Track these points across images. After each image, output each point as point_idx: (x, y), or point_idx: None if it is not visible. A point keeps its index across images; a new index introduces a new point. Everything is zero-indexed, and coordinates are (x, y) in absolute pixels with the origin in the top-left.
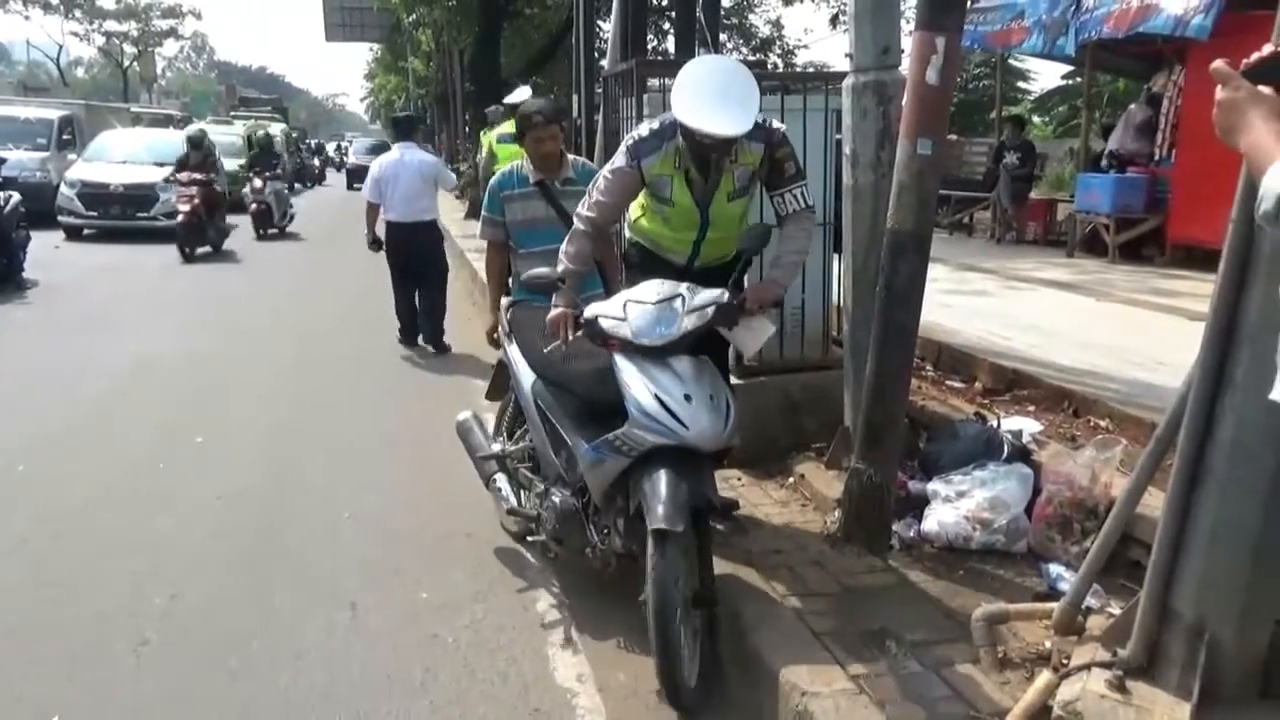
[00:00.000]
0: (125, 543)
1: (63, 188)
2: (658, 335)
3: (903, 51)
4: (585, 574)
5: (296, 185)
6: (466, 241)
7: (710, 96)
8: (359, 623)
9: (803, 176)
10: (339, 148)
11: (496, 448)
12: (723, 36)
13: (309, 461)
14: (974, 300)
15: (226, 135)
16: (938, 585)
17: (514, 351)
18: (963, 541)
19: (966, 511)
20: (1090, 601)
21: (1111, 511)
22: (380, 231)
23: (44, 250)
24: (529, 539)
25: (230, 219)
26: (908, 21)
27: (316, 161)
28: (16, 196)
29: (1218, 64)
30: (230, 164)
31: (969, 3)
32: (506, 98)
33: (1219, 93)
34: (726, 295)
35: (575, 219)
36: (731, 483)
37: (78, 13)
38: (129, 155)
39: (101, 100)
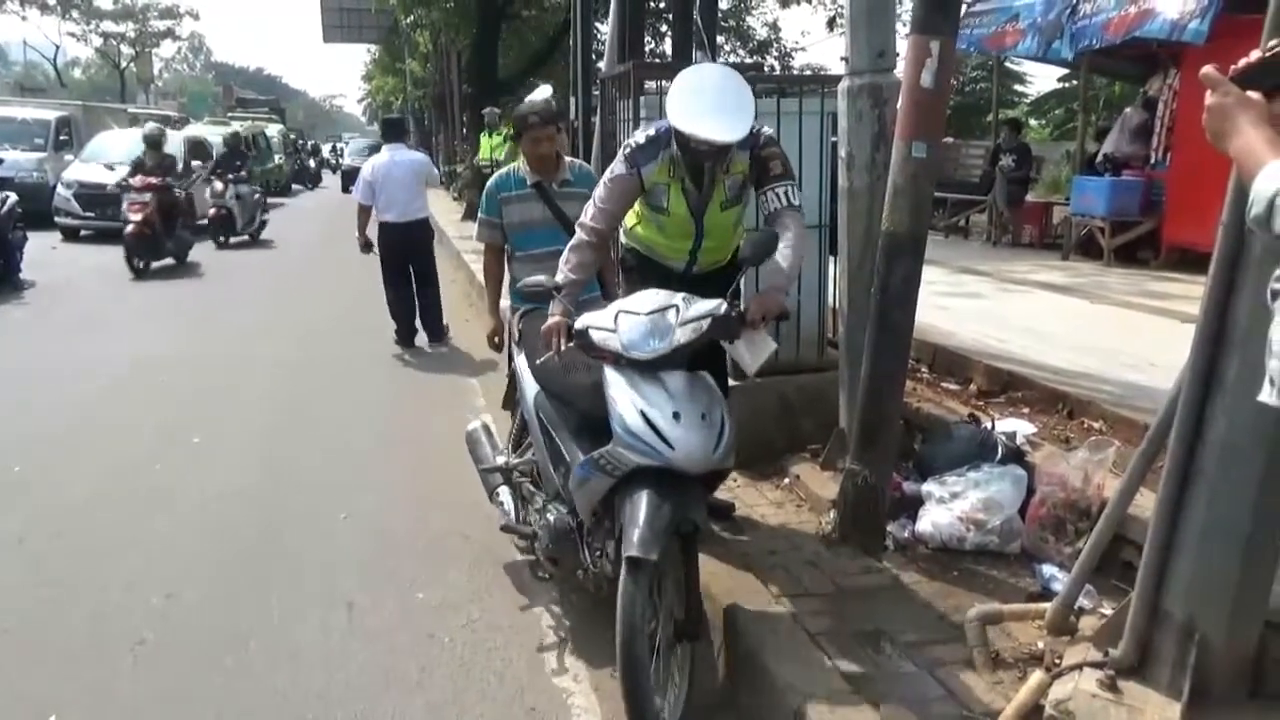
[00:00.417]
0: (122, 543)
1: (60, 188)
2: (649, 348)
3: (898, 55)
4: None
5: (295, 187)
6: (464, 243)
7: (706, 103)
8: (356, 623)
9: (790, 177)
10: (334, 148)
11: (501, 460)
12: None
13: (306, 462)
14: (969, 302)
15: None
16: (932, 586)
17: (521, 361)
18: (957, 542)
19: (960, 512)
20: (1083, 602)
21: (1103, 513)
22: (370, 234)
23: (41, 251)
24: (521, 556)
25: None
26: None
27: (312, 163)
28: (13, 197)
29: (1207, 69)
30: None
31: (964, 7)
32: (529, 98)
33: (1208, 98)
34: (724, 307)
35: (578, 229)
36: (728, 484)
37: (75, 13)
38: (126, 156)
39: (98, 101)
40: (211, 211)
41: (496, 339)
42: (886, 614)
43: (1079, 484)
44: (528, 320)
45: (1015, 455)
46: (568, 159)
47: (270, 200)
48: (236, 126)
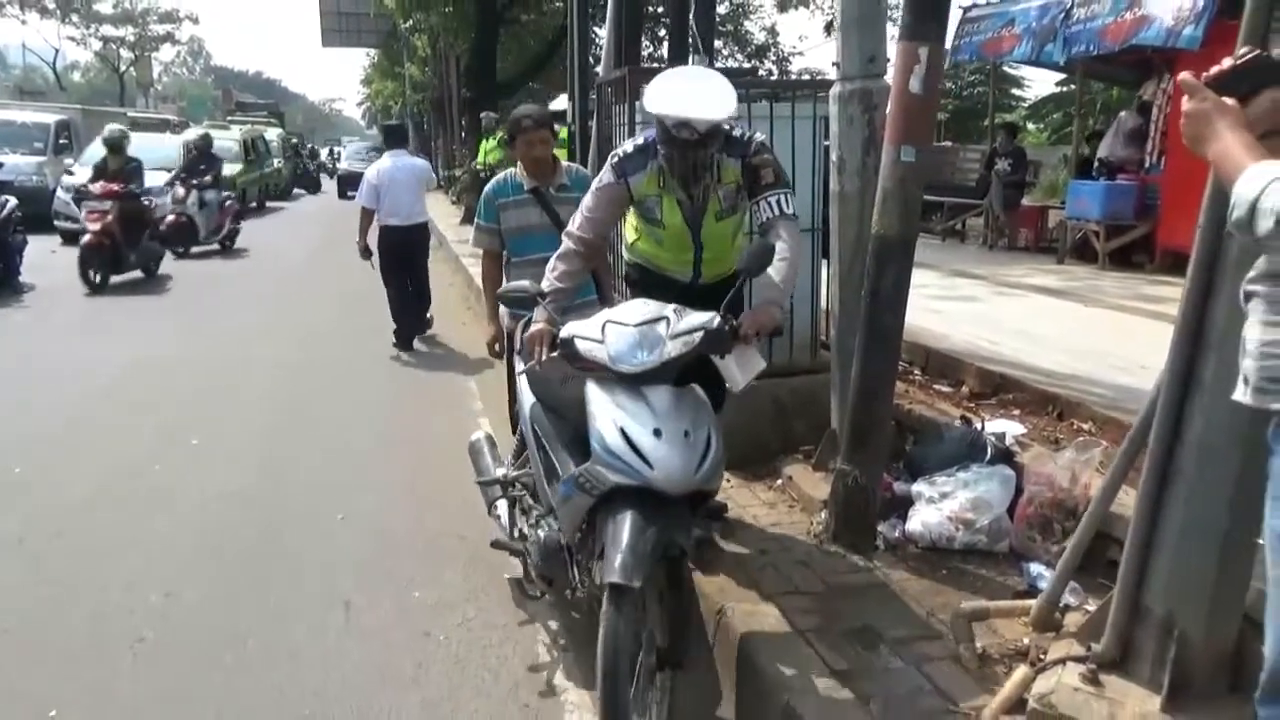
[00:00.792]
0: (122, 542)
1: (59, 192)
2: (637, 361)
3: (888, 60)
4: None
5: (298, 191)
6: (463, 246)
7: (683, 88)
8: (353, 621)
9: (784, 185)
10: (332, 152)
11: (500, 472)
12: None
13: (304, 463)
14: (963, 306)
15: (223, 140)
16: (921, 584)
17: (519, 371)
18: (946, 541)
19: (950, 512)
20: (1069, 599)
21: (1086, 511)
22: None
23: (40, 254)
24: (507, 577)
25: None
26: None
27: (311, 167)
28: (13, 201)
29: (1185, 76)
30: (227, 169)
31: (961, 13)
32: (551, 104)
33: (1185, 103)
34: (717, 320)
35: (565, 238)
36: (722, 484)
37: (74, 17)
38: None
39: (97, 105)
40: (170, 218)
41: (496, 346)
42: (876, 611)
43: (1066, 484)
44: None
45: (1004, 456)
46: (565, 163)
47: (269, 204)
48: (236, 131)
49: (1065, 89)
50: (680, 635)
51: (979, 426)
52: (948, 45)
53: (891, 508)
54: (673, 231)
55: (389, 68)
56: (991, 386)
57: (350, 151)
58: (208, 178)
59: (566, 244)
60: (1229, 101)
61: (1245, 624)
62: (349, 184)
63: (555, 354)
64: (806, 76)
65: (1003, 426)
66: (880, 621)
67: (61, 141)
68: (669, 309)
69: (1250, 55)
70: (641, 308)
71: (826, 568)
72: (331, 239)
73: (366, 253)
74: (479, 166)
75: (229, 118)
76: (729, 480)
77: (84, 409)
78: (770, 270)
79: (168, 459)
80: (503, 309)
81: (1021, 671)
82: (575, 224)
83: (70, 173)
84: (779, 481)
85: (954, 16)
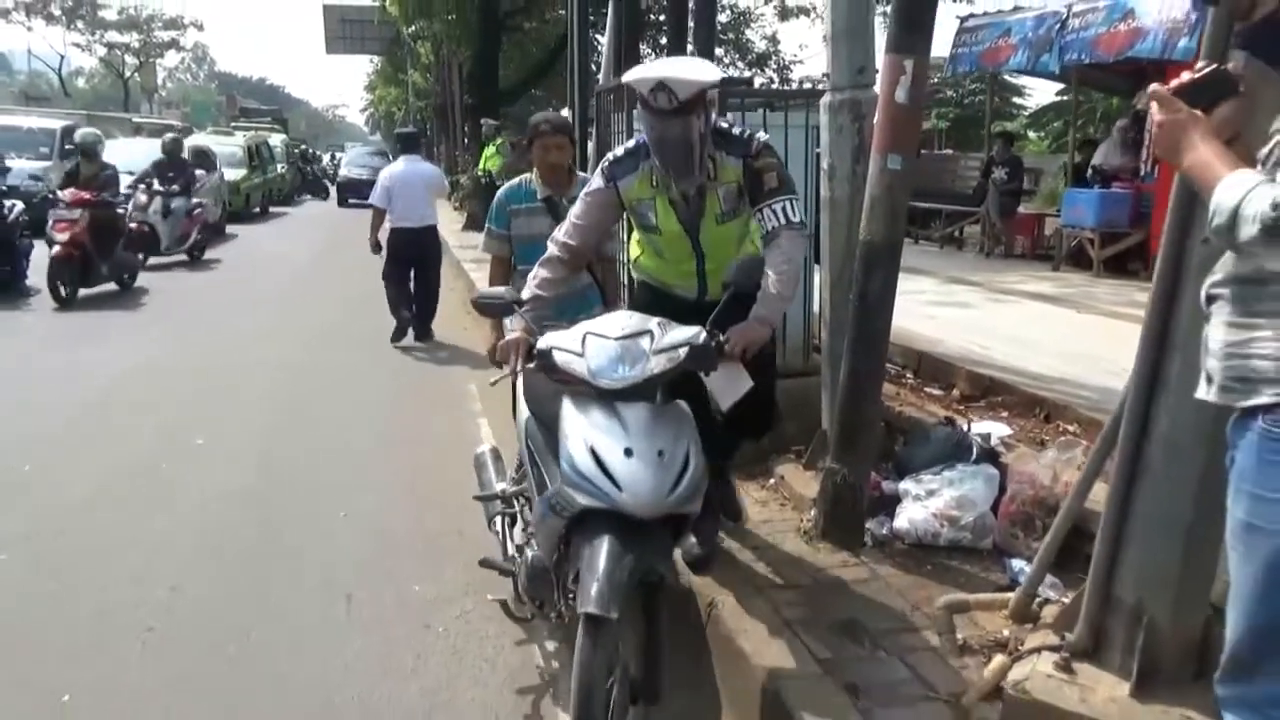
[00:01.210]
0: (128, 539)
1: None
2: (618, 376)
3: (877, 71)
4: None
5: (307, 197)
6: (464, 252)
7: (662, 61)
8: (354, 614)
9: (788, 191)
10: (333, 158)
11: (500, 487)
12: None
13: (305, 463)
14: (958, 312)
15: (227, 146)
16: (906, 579)
17: (520, 383)
18: (932, 538)
19: (935, 509)
20: (1049, 594)
21: (1063, 505)
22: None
23: (47, 258)
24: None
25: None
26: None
27: (312, 171)
28: (20, 205)
29: (1155, 87)
30: (231, 174)
31: (960, 23)
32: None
33: (1158, 114)
34: (703, 335)
35: (550, 244)
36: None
37: (80, 23)
38: (130, 166)
39: (102, 110)
40: (132, 226)
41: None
42: (861, 605)
43: (1047, 482)
44: None
45: (989, 455)
46: (582, 174)
47: (272, 209)
48: (241, 136)
49: (1065, 98)
50: (654, 667)
51: (965, 427)
52: (945, 55)
53: (880, 506)
54: (669, 237)
55: (392, 74)
56: (981, 389)
57: (350, 157)
58: (174, 186)
59: (550, 250)
60: (1198, 113)
61: (1213, 614)
62: (349, 191)
63: (531, 365)
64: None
65: (989, 428)
66: (866, 614)
67: (67, 147)
68: (653, 322)
69: (1209, 69)
70: (625, 320)
71: (815, 563)
72: (335, 242)
73: (377, 248)
74: (480, 173)
75: (233, 123)
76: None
77: (89, 410)
78: (766, 284)
79: (171, 459)
80: (507, 319)
81: (999, 660)
82: (562, 230)
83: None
84: (771, 481)
85: (951, 26)
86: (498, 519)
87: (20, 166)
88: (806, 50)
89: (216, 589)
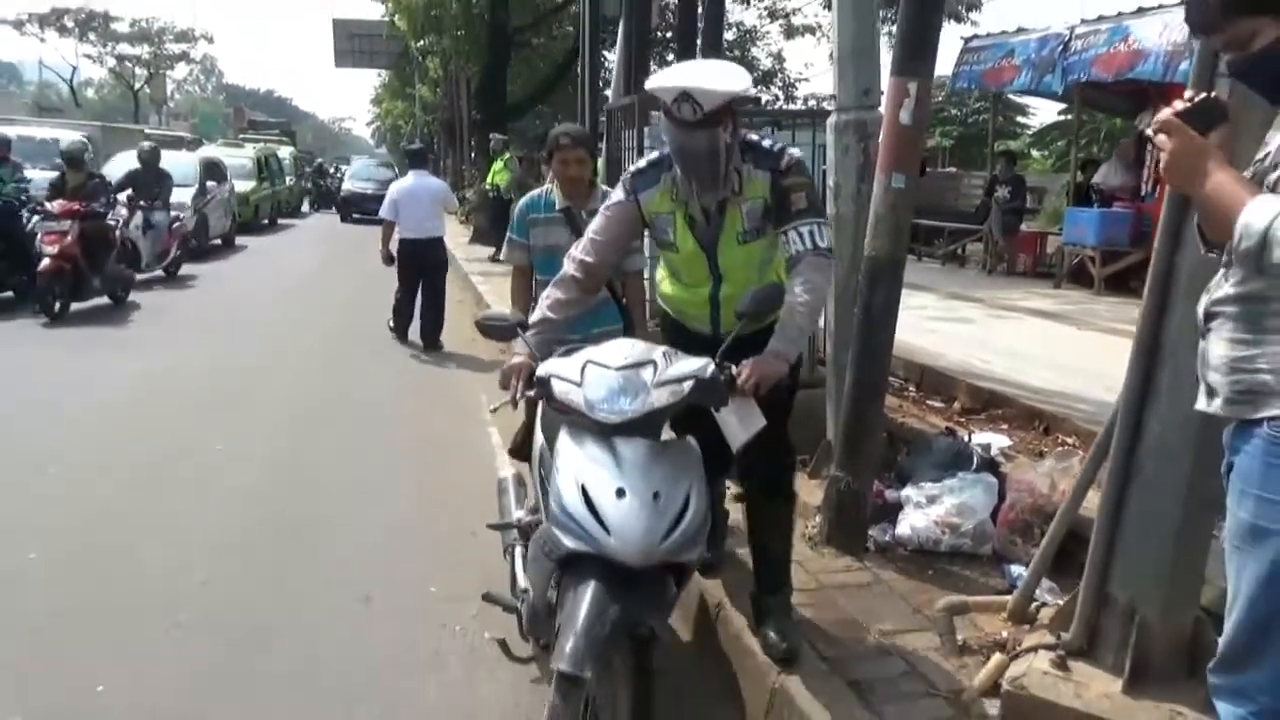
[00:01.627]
0: (153, 538)
1: None
2: (617, 410)
3: (882, 93)
4: None
5: (321, 209)
6: (472, 265)
7: (687, 66)
8: (373, 611)
9: (817, 213)
10: (336, 170)
11: (518, 515)
12: None
13: (320, 468)
14: (959, 327)
15: (236, 158)
16: (908, 583)
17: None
18: (933, 544)
19: (936, 516)
20: (1045, 598)
21: (1059, 510)
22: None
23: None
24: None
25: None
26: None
27: (319, 184)
28: (38, 215)
29: (1166, 115)
30: (240, 186)
31: (963, 43)
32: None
33: (1169, 141)
34: (711, 368)
35: (566, 261)
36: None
37: (92, 35)
38: None
39: (110, 122)
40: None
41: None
42: (865, 607)
43: (1045, 490)
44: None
45: (988, 465)
46: (603, 187)
47: (281, 221)
48: (251, 148)
49: (1068, 117)
50: None
51: (965, 438)
52: (948, 73)
53: (882, 513)
54: (686, 257)
55: (400, 88)
56: (981, 402)
57: (355, 170)
58: (158, 200)
59: (565, 268)
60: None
61: (1206, 618)
62: (354, 206)
63: (531, 392)
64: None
65: (989, 439)
66: (869, 615)
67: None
68: (658, 352)
69: (1202, 97)
70: (627, 348)
71: (820, 567)
72: (341, 253)
73: (389, 259)
74: (488, 187)
75: (241, 135)
76: (730, 488)
77: (104, 416)
78: (784, 314)
79: (191, 462)
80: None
81: (997, 658)
82: (579, 246)
83: None
84: None
85: (955, 46)
86: (516, 548)
87: (39, 177)
88: (812, 68)
89: (239, 587)
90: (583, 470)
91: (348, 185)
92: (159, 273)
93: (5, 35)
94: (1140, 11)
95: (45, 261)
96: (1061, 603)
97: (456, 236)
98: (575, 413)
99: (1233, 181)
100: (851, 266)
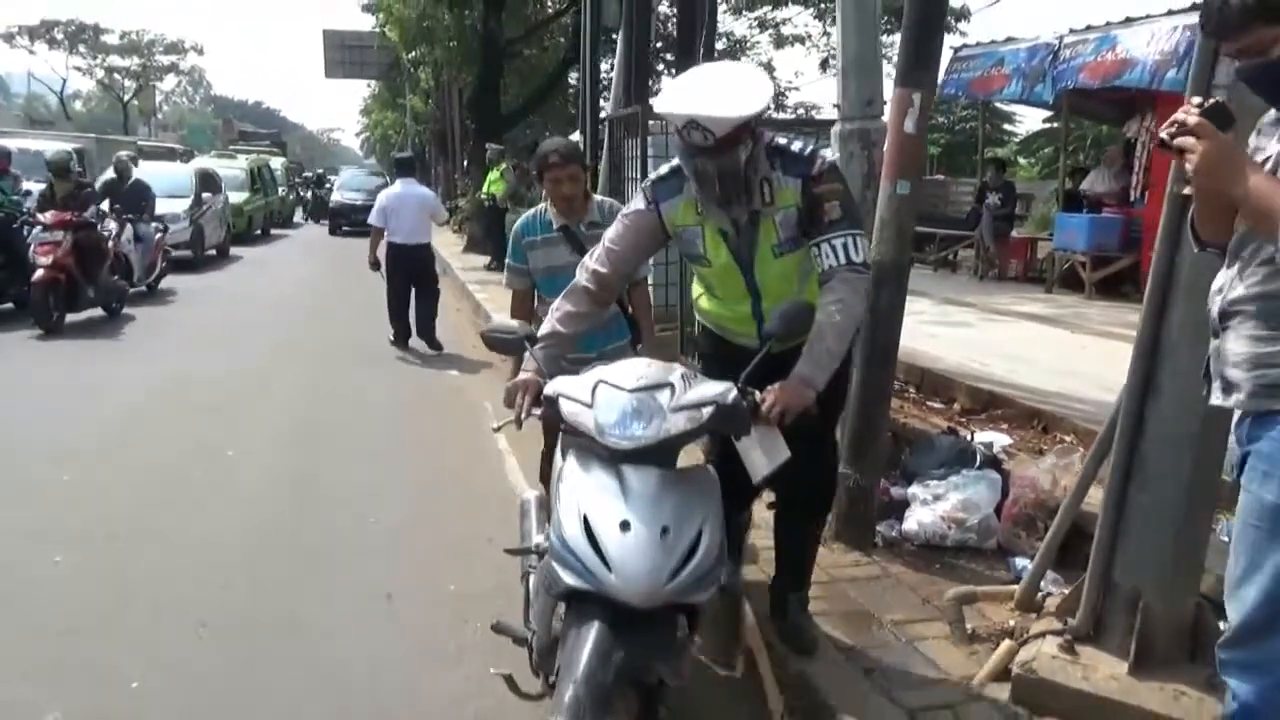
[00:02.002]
0: (174, 542)
1: None
2: (629, 435)
3: (885, 102)
4: None
5: (319, 220)
6: (468, 274)
7: (697, 82)
8: (394, 609)
9: (851, 224)
10: (322, 180)
11: (537, 540)
12: None
13: (332, 472)
14: (956, 331)
15: (230, 169)
16: (916, 576)
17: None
18: (939, 539)
19: (942, 512)
20: (1050, 589)
21: (1063, 503)
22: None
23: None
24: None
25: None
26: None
27: (309, 195)
28: (37, 228)
29: (1190, 120)
30: (234, 197)
31: (953, 52)
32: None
33: (1197, 144)
34: (733, 393)
35: (579, 270)
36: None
37: (82, 47)
38: None
39: (99, 133)
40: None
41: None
42: (875, 599)
43: (1048, 486)
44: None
45: (991, 462)
46: (597, 198)
47: (274, 232)
48: (244, 160)
49: (1055, 125)
50: None
51: (968, 436)
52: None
53: (889, 510)
54: (720, 271)
55: (390, 99)
56: (981, 403)
57: (344, 180)
58: (144, 211)
59: (577, 278)
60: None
61: (1206, 604)
62: (343, 218)
63: (538, 411)
64: (802, 111)
65: (990, 438)
66: (879, 607)
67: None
68: (676, 374)
69: (1211, 102)
70: (643, 369)
71: (830, 562)
72: (335, 262)
73: (376, 265)
74: (483, 196)
75: (231, 146)
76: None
77: (113, 425)
78: (814, 337)
79: (204, 468)
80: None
81: (1006, 644)
82: (593, 255)
83: None
84: None
85: (945, 55)
86: (528, 576)
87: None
88: (802, 77)
89: (262, 587)
90: (586, 499)
91: (337, 196)
92: (143, 288)
93: None
94: (1128, 21)
95: (40, 272)
96: (1066, 593)
97: (450, 246)
98: (585, 436)
99: (1271, 181)
100: None
